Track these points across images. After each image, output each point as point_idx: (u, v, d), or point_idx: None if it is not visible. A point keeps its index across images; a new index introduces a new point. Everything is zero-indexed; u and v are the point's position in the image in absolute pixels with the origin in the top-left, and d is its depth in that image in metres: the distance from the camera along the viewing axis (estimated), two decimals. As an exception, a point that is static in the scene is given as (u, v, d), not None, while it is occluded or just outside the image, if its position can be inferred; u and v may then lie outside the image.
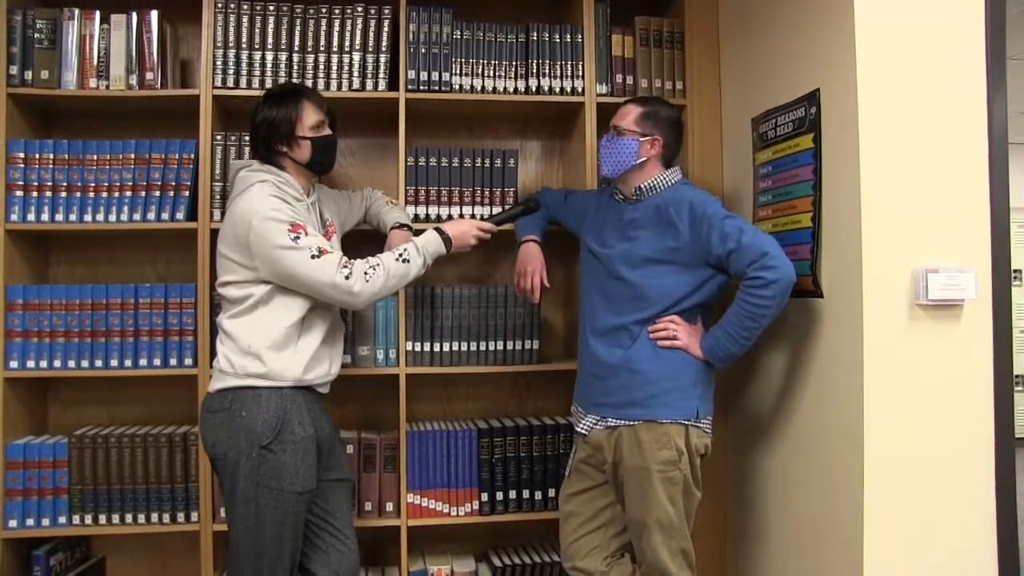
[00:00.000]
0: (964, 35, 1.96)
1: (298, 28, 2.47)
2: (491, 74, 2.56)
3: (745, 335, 1.95)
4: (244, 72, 2.44)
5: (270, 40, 2.45)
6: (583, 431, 2.13)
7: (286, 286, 1.93)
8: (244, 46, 2.44)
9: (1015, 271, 5.71)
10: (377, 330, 2.50)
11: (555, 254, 2.53)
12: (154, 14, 2.41)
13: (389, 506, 2.48)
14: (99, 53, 2.39)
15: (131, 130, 2.52)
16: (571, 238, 2.40)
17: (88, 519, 2.37)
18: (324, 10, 2.48)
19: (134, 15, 2.39)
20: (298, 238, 1.88)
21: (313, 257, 1.88)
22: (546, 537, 2.63)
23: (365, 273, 1.93)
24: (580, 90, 2.58)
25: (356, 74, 2.48)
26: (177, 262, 2.62)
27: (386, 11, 2.50)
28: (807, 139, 2.12)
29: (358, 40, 2.49)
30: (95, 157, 2.41)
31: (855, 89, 1.90)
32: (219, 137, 2.42)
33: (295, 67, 2.46)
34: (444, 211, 2.54)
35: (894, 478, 1.89)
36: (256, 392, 1.91)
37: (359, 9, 2.49)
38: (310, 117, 2.03)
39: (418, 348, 2.50)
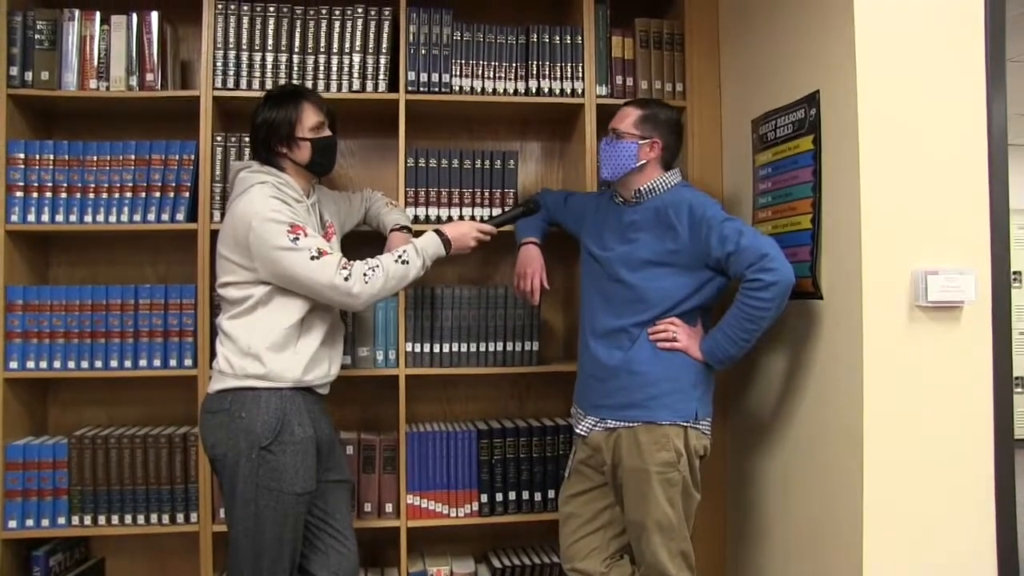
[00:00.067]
0: (964, 36, 1.96)
1: (298, 29, 2.47)
2: (491, 75, 2.56)
3: (744, 337, 1.95)
4: (244, 73, 2.44)
5: (270, 41, 2.45)
6: (582, 432, 2.13)
7: (285, 287, 1.93)
8: (244, 47, 2.44)
9: (1015, 273, 5.72)
10: (377, 331, 2.50)
11: (555, 256, 2.53)
12: (154, 15, 2.41)
13: (388, 507, 2.48)
14: (99, 54, 2.40)
15: (131, 131, 2.52)
16: (571, 240, 2.40)
17: (88, 520, 2.37)
18: (324, 11, 2.48)
19: (134, 16, 2.40)
20: (297, 239, 1.88)
21: (312, 258, 1.88)
22: (546, 538, 2.63)
23: (364, 274, 1.93)
24: (580, 92, 2.58)
25: (356, 75, 2.49)
26: (177, 263, 2.62)
27: (386, 12, 2.50)
28: (807, 141, 2.12)
29: (358, 41, 2.49)
30: (95, 158, 2.41)
31: (855, 91, 1.91)
32: (219, 138, 2.42)
33: (295, 68, 2.46)
34: (444, 212, 2.54)
35: (894, 480, 1.89)
36: (256, 393, 1.92)
37: (359, 10, 2.49)
38: (310, 118, 2.03)
39: (418, 349, 2.50)
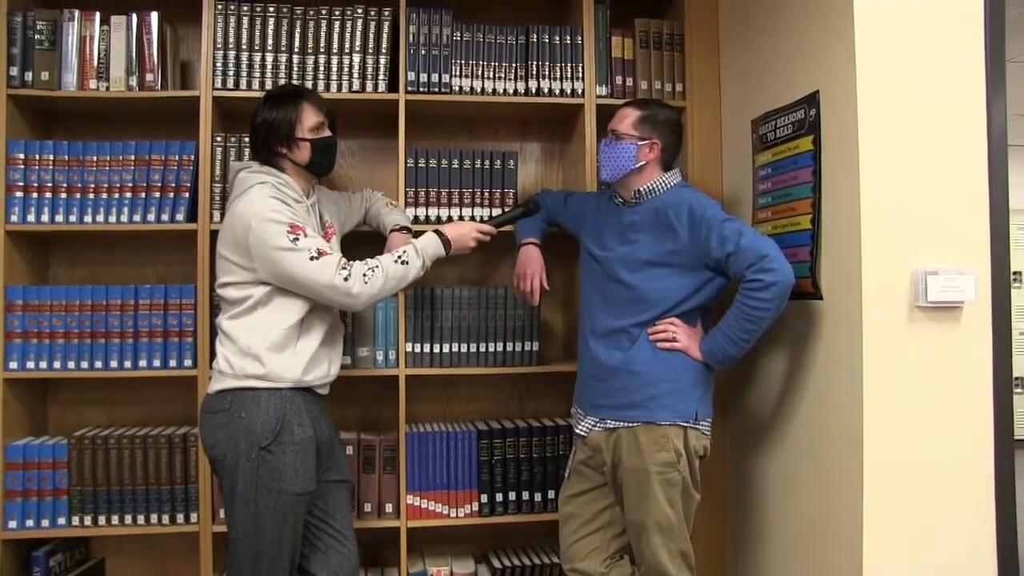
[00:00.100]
0: (963, 37, 1.96)
1: (298, 30, 2.47)
2: (491, 76, 2.56)
3: (744, 337, 1.95)
4: (244, 73, 2.44)
5: (270, 41, 2.45)
6: (582, 433, 2.13)
7: (285, 287, 1.93)
8: (244, 47, 2.44)
9: (1015, 273, 5.72)
10: (377, 331, 2.50)
11: (555, 256, 2.53)
12: (154, 15, 2.41)
13: (388, 507, 2.48)
14: (99, 54, 2.40)
15: (131, 131, 2.52)
16: (571, 240, 2.40)
17: (88, 520, 2.37)
18: (324, 12, 2.48)
19: (134, 16, 2.40)
20: (297, 239, 1.88)
21: (312, 258, 1.88)
22: (546, 539, 2.63)
23: (364, 275, 1.93)
24: (580, 92, 2.58)
25: (356, 76, 2.49)
26: (177, 263, 2.62)
27: (386, 13, 2.51)
28: (807, 141, 2.12)
29: (358, 42, 2.49)
30: (95, 158, 2.41)
31: (855, 91, 1.91)
32: (219, 138, 2.42)
33: (295, 69, 2.46)
34: (444, 213, 2.54)
35: (894, 480, 1.89)
36: (255, 393, 1.92)
37: (359, 11, 2.49)
38: (310, 119, 2.03)
39: (418, 349, 2.50)
